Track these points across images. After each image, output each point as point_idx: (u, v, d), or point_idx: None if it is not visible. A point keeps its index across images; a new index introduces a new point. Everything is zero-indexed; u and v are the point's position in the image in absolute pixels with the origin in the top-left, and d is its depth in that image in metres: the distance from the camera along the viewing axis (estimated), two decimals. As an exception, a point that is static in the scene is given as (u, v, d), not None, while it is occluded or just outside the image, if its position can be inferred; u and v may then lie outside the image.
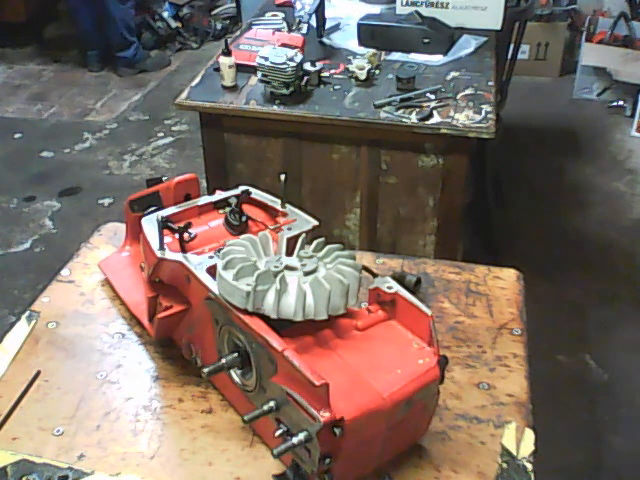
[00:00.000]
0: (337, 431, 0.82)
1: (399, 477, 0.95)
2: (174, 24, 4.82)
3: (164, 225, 1.03)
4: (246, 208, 1.11)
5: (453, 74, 2.20)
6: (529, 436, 1.00)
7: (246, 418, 0.88)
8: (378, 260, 1.35)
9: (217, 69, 2.17)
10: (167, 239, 1.04)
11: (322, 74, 2.14)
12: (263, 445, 0.99)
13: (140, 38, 4.59)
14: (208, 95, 2.11)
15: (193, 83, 2.18)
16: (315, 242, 0.99)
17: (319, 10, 2.36)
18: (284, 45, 2.11)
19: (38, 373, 1.11)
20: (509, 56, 2.87)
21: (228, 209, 1.12)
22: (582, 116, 4.02)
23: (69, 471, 0.96)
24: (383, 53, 2.32)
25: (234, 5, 5.05)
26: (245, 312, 0.91)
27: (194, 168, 3.26)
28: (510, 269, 1.33)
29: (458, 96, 2.06)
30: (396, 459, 0.96)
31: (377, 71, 2.20)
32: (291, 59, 1.98)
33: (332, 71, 2.21)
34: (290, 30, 2.37)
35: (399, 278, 1.24)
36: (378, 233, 2.19)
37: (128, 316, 1.22)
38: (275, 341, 0.87)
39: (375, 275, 1.12)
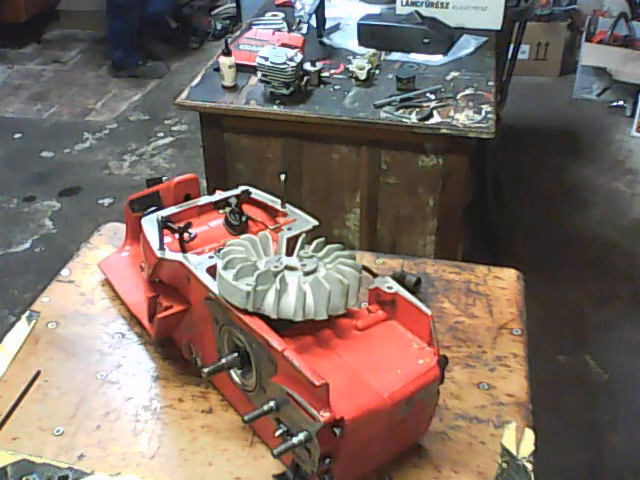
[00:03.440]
0: (337, 431, 0.82)
1: (399, 477, 0.95)
2: (174, 24, 4.81)
3: (164, 225, 1.03)
4: (246, 208, 1.11)
5: (453, 74, 2.20)
6: (529, 436, 1.00)
7: (246, 418, 0.88)
8: (378, 260, 1.35)
9: (217, 69, 2.17)
10: (167, 239, 1.04)
11: (322, 74, 2.14)
12: (263, 445, 0.99)
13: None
14: (208, 95, 2.11)
15: (193, 83, 2.18)
16: (315, 242, 0.99)
17: (319, 10, 2.36)
18: (284, 45, 2.11)
19: (38, 373, 1.11)
20: (509, 56, 2.87)
21: (228, 209, 1.12)
22: (582, 116, 4.02)
23: (69, 471, 0.96)
24: (383, 53, 2.32)
25: (234, 5, 5.05)
26: (245, 312, 0.91)
27: (194, 168, 3.27)
28: (510, 269, 1.33)
29: (458, 96, 2.06)
30: (396, 459, 0.96)
31: (377, 71, 2.20)
32: (291, 59, 1.98)
33: (332, 71, 2.21)
34: (290, 30, 2.36)
35: (399, 278, 1.24)
36: (378, 233, 2.19)
37: (128, 316, 1.22)
38: (275, 341, 0.87)
39: (375, 275, 1.12)
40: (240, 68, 2.13)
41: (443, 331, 1.18)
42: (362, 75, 2.12)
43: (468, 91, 2.09)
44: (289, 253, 0.98)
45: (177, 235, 1.03)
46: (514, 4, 2.78)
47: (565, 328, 2.60)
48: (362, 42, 2.38)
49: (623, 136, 3.81)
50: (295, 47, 2.09)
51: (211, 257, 1.01)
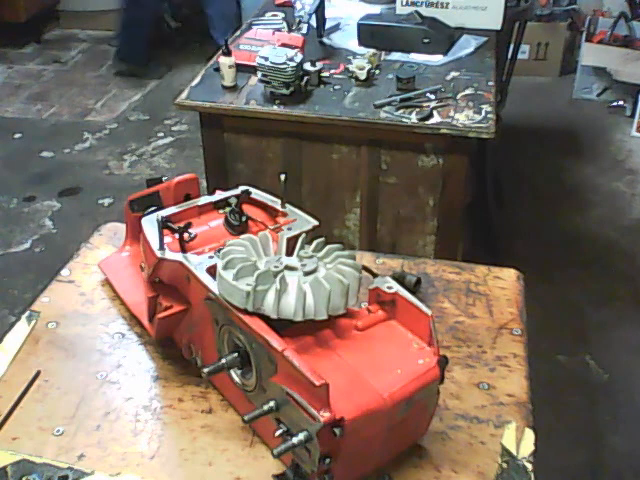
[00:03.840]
0: (337, 431, 0.82)
1: (399, 477, 0.95)
2: (174, 24, 4.82)
3: (164, 225, 1.03)
4: (246, 208, 1.11)
5: (453, 74, 2.20)
6: (529, 436, 1.00)
7: (246, 418, 0.88)
8: (378, 260, 1.35)
9: (217, 69, 2.17)
10: (167, 239, 1.04)
11: (322, 74, 2.14)
12: (263, 445, 0.99)
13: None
14: (208, 95, 2.11)
15: (193, 83, 2.18)
16: (315, 242, 0.99)
17: (319, 10, 2.36)
18: (284, 45, 2.11)
19: (38, 373, 1.11)
20: (509, 56, 2.87)
21: (228, 209, 1.12)
22: (582, 116, 4.02)
23: (69, 471, 0.96)
24: (383, 53, 2.32)
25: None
26: (245, 312, 0.91)
27: (194, 168, 3.27)
28: (510, 269, 1.33)
29: (458, 96, 2.06)
30: (396, 459, 0.96)
31: (377, 71, 2.20)
32: (291, 59, 1.98)
33: (332, 71, 2.21)
34: (290, 30, 2.37)
35: (399, 278, 1.24)
36: (378, 233, 2.19)
37: (128, 316, 1.22)
38: (275, 341, 0.87)
39: (375, 275, 1.12)
40: (240, 68, 2.14)
41: (443, 331, 1.18)
42: (362, 75, 2.12)
43: (468, 91, 2.09)
44: (289, 253, 0.98)
45: (177, 235, 1.03)
46: (514, 4, 2.78)
47: (565, 328, 2.60)
48: (362, 42, 2.38)
49: (623, 136, 3.81)
50: (295, 47, 2.10)
51: (211, 257, 1.01)
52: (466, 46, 2.37)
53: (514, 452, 0.98)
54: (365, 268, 1.11)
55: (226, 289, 0.92)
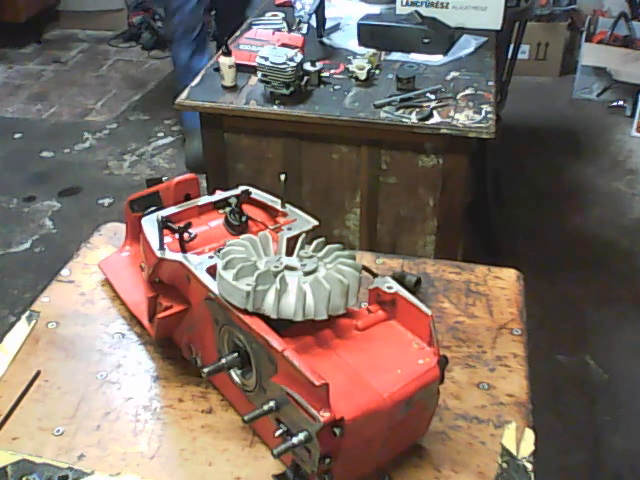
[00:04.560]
0: (337, 431, 0.82)
1: (399, 477, 0.95)
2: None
3: (164, 225, 1.03)
4: (246, 208, 1.11)
5: (453, 74, 2.20)
6: (529, 436, 1.00)
7: (246, 418, 0.88)
8: (378, 260, 1.35)
9: (217, 69, 2.17)
10: (167, 239, 1.03)
11: (322, 74, 2.14)
12: (263, 445, 0.99)
13: (140, 38, 4.58)
14: (208, 95, 2.11)
15: (193, 83, 2.18)
16: (315, 242, 0.99)
17: (319, 10, 2.36)
18: (284, 45, 2.11)
19: (38, 373, 1.11)
20: (509, 56, 2.87)
21: (228, 209, 1.12)
22: (582, 116, 4.02)
23: (69, 471, 0.95)
24: (383, 53, 2.32)
25: (234, 5, 5.04)
26: (245, 312, 0.91)
27: (194, 168, 3.27)
28: (510, 269, 1.32)
29: (458, 96, 2.06)
30: (396, 459, 0.96)
31: (377, 71, 2.20)
32: (291, 59, 1.98)
33: (332, 71, 2.21)
34: (290, 30, 2.36)
35: (399, 278, 1.24)
36: (378, 233, 2.19)
37: (128, 316, 1.22)
38: (275, 341, 0.87)
39: (375, 275, 1.12)
40: (240, 68, 2.13)
41: (443, 331, 1.18)
42: (362, 75, 2.11)
43: (468, 91, 2.09)
44: (289, 253, 0.98)
45: (177, 235, 1.03)
46: (514, 4, 2.78)
47: (565, 328, 2.60)
48: (362, 42, 2.38)
49: (623, 136, 3.81)
50: (295, 47, 2.09)
51: (211, 257, 1.01)
52: (466, 46, 2.37)
53: (514, 452, 0.98)
54: (365, 268, 1.11)
55: (226, 289, 0.92)
